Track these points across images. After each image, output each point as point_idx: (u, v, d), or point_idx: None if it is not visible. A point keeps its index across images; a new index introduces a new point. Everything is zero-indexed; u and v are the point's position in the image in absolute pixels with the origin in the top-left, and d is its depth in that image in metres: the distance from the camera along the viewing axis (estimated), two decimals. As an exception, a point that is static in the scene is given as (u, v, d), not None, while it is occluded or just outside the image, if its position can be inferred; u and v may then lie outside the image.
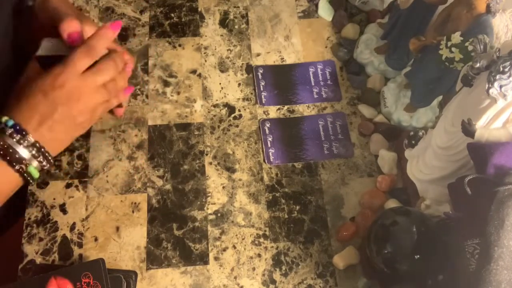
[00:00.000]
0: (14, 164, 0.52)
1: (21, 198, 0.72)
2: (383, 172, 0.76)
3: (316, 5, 0.90)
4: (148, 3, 0.88)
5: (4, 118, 0.52)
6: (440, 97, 0.73)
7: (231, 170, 0.76)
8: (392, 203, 0.72)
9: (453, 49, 0.64)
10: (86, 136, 0.76)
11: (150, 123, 0.79)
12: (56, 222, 0.71)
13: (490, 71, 0.53)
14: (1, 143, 0.51)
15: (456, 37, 0.63)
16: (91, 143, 0.76)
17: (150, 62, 0.84)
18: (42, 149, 0.53)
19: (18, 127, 0.52)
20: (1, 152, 0.51)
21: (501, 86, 0.52)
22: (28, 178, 0.54)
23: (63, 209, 0.72)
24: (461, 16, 0.64)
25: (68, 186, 0.73)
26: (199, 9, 0.89)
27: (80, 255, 0.69)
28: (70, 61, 0.55)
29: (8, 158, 0.51)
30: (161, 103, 0.80)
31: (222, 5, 0.90)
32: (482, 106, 0.55)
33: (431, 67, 0.70)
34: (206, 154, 0.77)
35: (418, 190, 0.70)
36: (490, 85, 0.53)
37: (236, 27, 0.88)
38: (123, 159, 0.76)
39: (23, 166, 0.53)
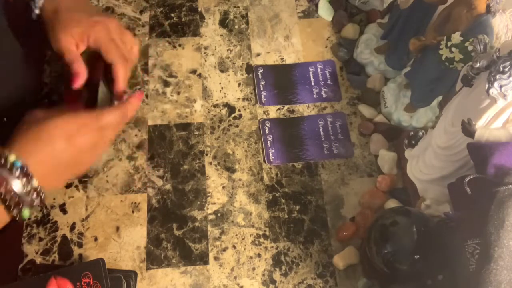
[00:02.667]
0: (12, 209, 0.49)
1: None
2: (383, 172, 0.76)
3: (316, 5, 0.90)
4: (148, 3, 0.88)
5: (12, 157, 0.49)
6: (440, 97, 0.73)
7: (231, 170, 0.76)
8: (392, 203, 0.72)
9: (453, 49, 0.64)
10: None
11: (150, 123, 0.79)
12: (56, 222, 0.71)
13: (490, 71, 0.53)
14: (5, 184, 0.48)
15: (456, 37, 0.63)
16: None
17: (150, 62, 0.84)
18: (41, 192, 0.51)
19: (25, 170, 0.49)
20: (2, 197, 0.48)
21: (501, 86, 0.52)
22: (18, 219, 0.51)
23: (63, 209, 0.72)
24: (461, 16, 0.64)
25: (68, 186, 0.73)
26: (199, 9, 0.89)
27: (80, 255, 0.69)
28: (103, 118, 0.55)
29: (7, 203, 0.49)
30: (161, 103, 0.80)
31: (222, 5, 0.90)
32: (482, 106, 0.55)
33: (431, 67, 0.70)
34: (206, 154, 0.77)
35: (418, 190, 0.70)
36: (490, 85, 0.53)
37: (236, 27, 0.88)
38: (123, 159, 0.76)
39: (19, 210, 0.50)
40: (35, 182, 0.50)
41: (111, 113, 0.56)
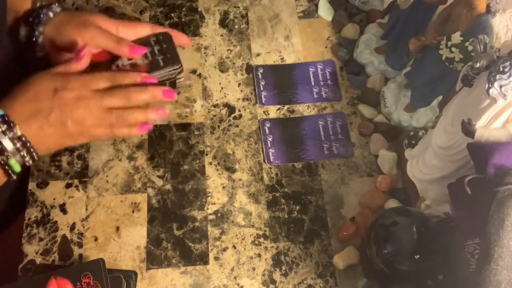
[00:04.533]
0: None
1: (20, 198, 0.72)
2: (383, 172, 0.76)
3: (316, 5, 0.90)
4: (148, 3, 0.88)
5: None
6: (440, 97, 0.73)
7: (231, 170, 0.76)
8: (392, 203, 0.72)
9: (453, 49, 0.64)
10: (86, 136, 0.76)
11: (150, 123, 0.78)
12: (56, 222, 0.71)
13: (490, 71, 0.53)
14: None
15: (456, 37, 0.63)
16: (91, 143, 0.76)
17: (150, 62, 0.83)
18: (28, 144, 0.52)
19: (6, 118, 0.50)
20: None
21: (501, 86, 0.52)
22: (10, 171, 0.52)
23: (63, 209, 0.72)
24: (461, 16, 0.64)
25: (68, 186, 0.73)
26: (199, 9, 0.89)
27: (80, 255, 0.69)
28: (89, 76, 0.55)
29: None
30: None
31: (222, 5, 0.90)
32: (482, 106, 0.55)
33: (431, 67, 0.70)
34: (206, 154, 0.77)
35: (418, 190, 0.70)
36: (490, 85, 0.53)
37: (236, 27, 0.88)
38: (123, 159, 0.76)
39: (4, 158, 0.51)
40: (17, 130, 0.50)
41: (98, 74, 0.55)
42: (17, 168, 0.52)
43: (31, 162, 0.53)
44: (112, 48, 0.59)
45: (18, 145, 0.51)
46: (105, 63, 0.60)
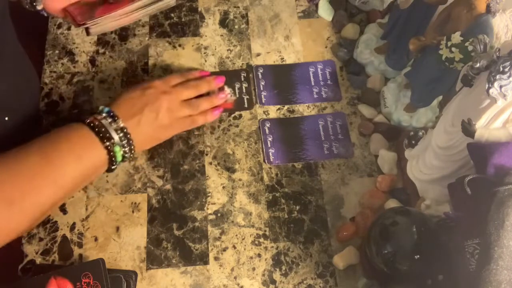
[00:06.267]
0: (105, 140, 0.61)
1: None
2: (383, 172, 0.76)
3: (316, 5, 0.90)
4: (148, 3, 0.88)
5: (101, 107, 0.64)
6: (440, 97, 0.73)
7: (231, 170, 0.76)
8: (392, 203, 0.72)
9: (453, 49, 0.64)
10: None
11: (150, 123, 0.78)
12: (56, 222, 0.71)
13: (490, 71, 0.53)
14: (96, 122, 0.61)
15: (456, 37, 0.63)
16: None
17: (150, 62, 0.84)
18: (128, 135, 0.63)
19: (111, 113, 0.63)
20: (96, 129, 0.61)
21: (501, 86, 0.52)
22: (113, 159, 0.62)
23: (63, 209, 0.72)
24: (461, 16, 0.64)
25: (68, 186, 0.73)
26: (199, 9, 0.89)
27: (80, 255, 0.69)
28: (169, 79, 0.73)
29: (100, 134, 0.61)
30: (161, 103, 0.80)
31: (222, 5, 0.90)
32: (482, 106, 0.55)
33: (431, 67, 0.70)
34: (206, 154, 0.77)
35: (418, 190, 0.70)
36: (490, 85, 0.53)
37: (236, 27, 0.88)
38: (123, 159, 0.75)
39: (111, 145, 0.61)
40: (120, 122, 0.63)
41: (175, 75, 0.75)
42: (119, 157, 0.63)
43: (129, 154, 0.64)
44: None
45: (121, 135, 0.62)
46: None
